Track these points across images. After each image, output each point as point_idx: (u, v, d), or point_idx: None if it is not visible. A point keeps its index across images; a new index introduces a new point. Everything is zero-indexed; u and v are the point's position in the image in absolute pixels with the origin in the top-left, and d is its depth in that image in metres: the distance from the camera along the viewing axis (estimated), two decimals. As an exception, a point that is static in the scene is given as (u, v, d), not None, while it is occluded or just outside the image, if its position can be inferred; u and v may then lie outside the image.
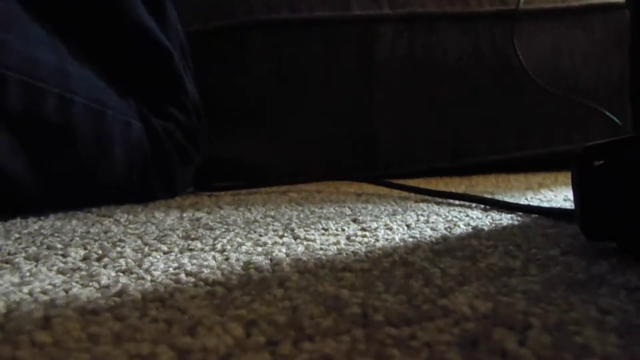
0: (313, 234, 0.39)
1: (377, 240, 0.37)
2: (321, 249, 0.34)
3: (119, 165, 0.57)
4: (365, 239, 0.37)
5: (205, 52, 0.80)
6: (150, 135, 0.61)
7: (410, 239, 0.37)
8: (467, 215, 0.45)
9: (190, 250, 0.35)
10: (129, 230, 0.42)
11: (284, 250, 0.34)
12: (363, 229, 0.40)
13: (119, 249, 0.35)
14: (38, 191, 0.52)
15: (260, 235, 0.39)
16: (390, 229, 0.40)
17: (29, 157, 0.50)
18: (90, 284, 0.27)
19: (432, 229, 0.40)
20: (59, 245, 0.37)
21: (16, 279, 0.28)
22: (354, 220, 0.44)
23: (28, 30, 0.51)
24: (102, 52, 0.59)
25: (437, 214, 0.46)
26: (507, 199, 0.54)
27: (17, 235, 0.41)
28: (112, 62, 0.60)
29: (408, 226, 0.41)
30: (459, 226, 0.41)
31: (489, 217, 0.45)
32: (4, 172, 0.48)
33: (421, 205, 0.52)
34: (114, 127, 0.56)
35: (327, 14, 0.84)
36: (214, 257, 0.33)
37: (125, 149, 0.58)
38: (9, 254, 0.35)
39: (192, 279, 0.28)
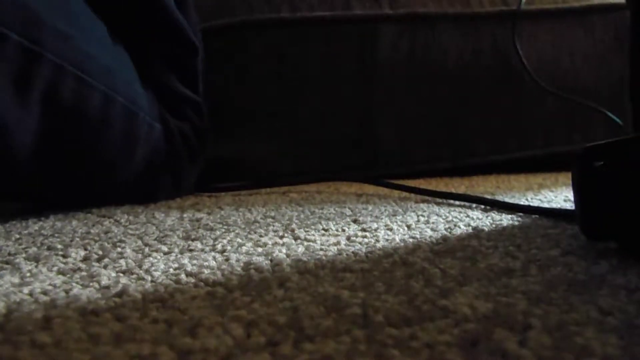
0: (313, 235, 0.39)
1: (378, 240, 0.37)
2: (321, 249, 0.34)
3: (138, 165, 0.58)
4: (366, 240, 0.37)
5: (205, 51, 0.79)
6: (168, 138, 0.62)
7: (411, 240, 0.37)
8: (468, 216, 0.45)
9: (191, 250, 0.35)
10: (129, 231, 0.42)
11: (284, 250, 0.34)
12: (363, 230, 0.40)
13: (119, 249, 0.35)
14: (57, 183, 0.53)
15: (261, 236, 0.39)
16: (391, 229, 0.40)
17: (64, 149, 0.50)
18: (91, 284, 0.27)
19: (432, 229, 0.40)
20: (59, 246, 0.37)
21: (16, 280, 0.28)
22: (354, 221, 0.44)
23: (86, 23, 0.53)
24: (133, 39, 0.60)
25: (437, 215, 0.46)
26: (507, 200, 0.54)
27: (17, 236, 0.41)
28: (140, 50, 0.61)
29: (408, 227, 0.41)
30: (459, 227, 0.41)
31: (489, 217, 0.45)
32: (39, 161, 0.49)
33: (421, 205, 0.52)
34: (141, 128, 0.58)
35: (328, 13, 0.84)
36: (214, 258, 0.33)
37: (146, 150, 0.59)
38: (9, 254, 0.35)
39: (192, 280, 0.28)
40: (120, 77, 0.55)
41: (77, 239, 0.39)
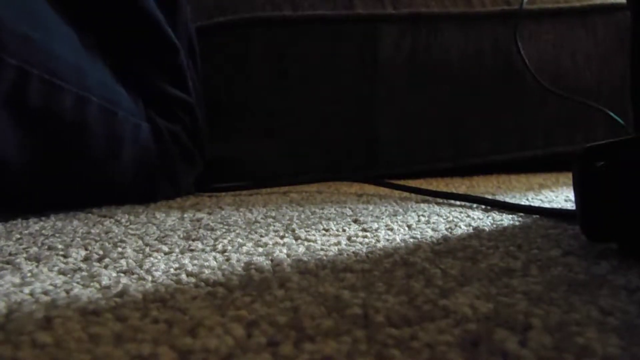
0: (314, 235, 0.39)
1: (378, 240, 0.37)
2: (322, 249, 0.34)
3: (126, 166, 0.58)
4: (366, 240, 0.37)
5: (207, 49, 0.79)
6: (157, 137, 0.62)
7: (411, 240, 0.36)
8: (468, 216, 0.45)
9: (191, 250, 0.35)
10: (130, 231, 0.42)
11: (284, 250, 0.34)
12: (364, 230, 0.40)
13: (120, 249, 0.35)
14: (43, 188, 0.52)
15: (261, 236, 0.39)
16: (391, 229, 0.40)
17: (41, 154, 0.50)
18: (91, 284, 0.27)
19: (433, 229, 0.40)
20: (60, 246, 0.37)
21: (17, 280, 0.28)
22: (355, 221, 0.44)
23: (51, 25, 0.52)
24: (110, 43, 0.60)
25: (438, 215, 0.46)
26: (508, 200, 0.54)
27: (18, 236, 0.41)
28: (119, 53, 0.61)
29: (409, 227, 0.41)
30: (459, 227, 0.41)
31: (489, 217, 0.45)
32: (15, 167, 0.48)
33: (422, 205, 0.52)
34: (124, 128, 0.57)
35: (330, 12, 0.84)
36: (214, 258, 0.33)
37: (133, 151, 0.58)
38: (10, 254, 0.35)
39: (193, 280, 0.28)
40: (93, 77, 0.54)
41: (78, 239, 0.39)
